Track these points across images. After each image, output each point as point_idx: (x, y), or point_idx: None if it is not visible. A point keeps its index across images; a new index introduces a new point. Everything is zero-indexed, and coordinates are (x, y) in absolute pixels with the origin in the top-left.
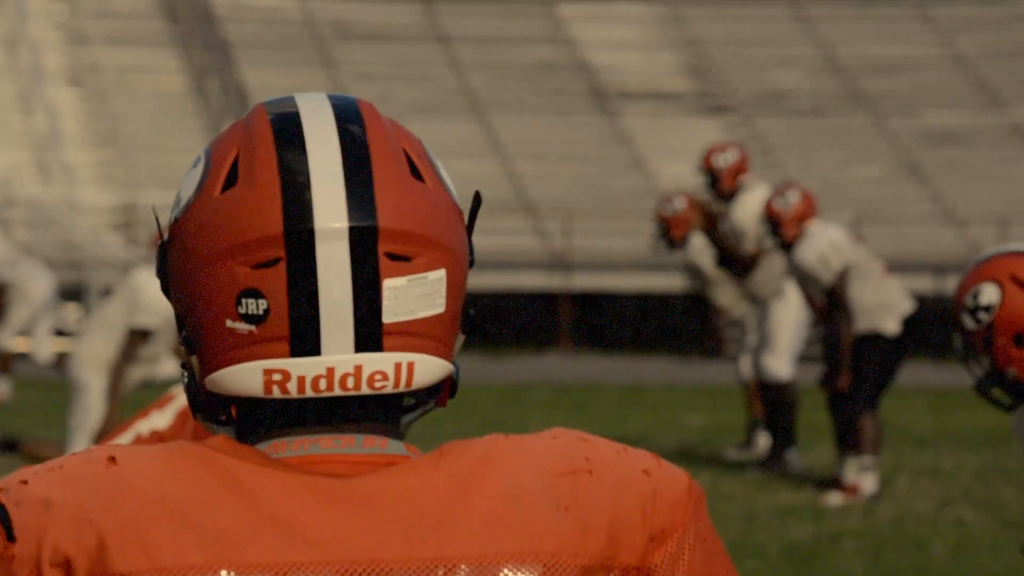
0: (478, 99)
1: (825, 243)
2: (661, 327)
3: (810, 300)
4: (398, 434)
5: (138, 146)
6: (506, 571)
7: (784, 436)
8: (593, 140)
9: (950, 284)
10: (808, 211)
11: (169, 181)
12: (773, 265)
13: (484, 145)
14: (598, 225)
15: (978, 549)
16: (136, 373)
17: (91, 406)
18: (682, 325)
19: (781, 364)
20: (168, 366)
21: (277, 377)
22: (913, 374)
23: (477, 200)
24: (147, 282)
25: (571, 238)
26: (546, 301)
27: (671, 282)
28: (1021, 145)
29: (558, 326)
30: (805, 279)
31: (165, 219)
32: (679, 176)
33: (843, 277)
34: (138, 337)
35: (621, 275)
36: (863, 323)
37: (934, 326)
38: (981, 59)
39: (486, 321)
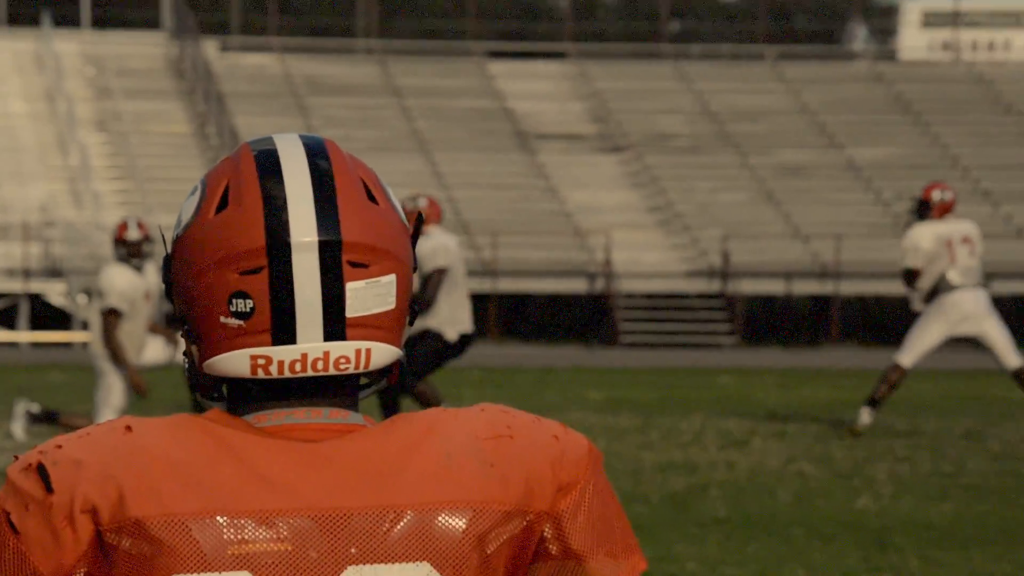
0: (424, 140)
1: (440, 243)
2: (568, 321)
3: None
4: (356, 407)
5: (151, 178)
6: (443, 516)
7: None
8: (516, 173)
9: (797, 287)
10: (431, 216)
11: (176, 206)
12: (931, 278)
13: (429, 177)
14: (519, 240)
15: (815, 496)
16: (136, 343)
17: (111, 385)
18: (585, 320)
19: (904, 355)
20: (153, 351)
21: (261, 362)
22: (763, 357)
23: (419, 220)
24: (105, 273)
25: (498, 251)
26: (478, 301)
27: (576, 285)
28: (853, 177)
29: (488, 321)
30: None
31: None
32: (585, 201)
33: (440, 273)
34: (107, 315)
35: (537, 280)
36: (433, 322)
37: (785, 320)
38: (822, 108)
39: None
